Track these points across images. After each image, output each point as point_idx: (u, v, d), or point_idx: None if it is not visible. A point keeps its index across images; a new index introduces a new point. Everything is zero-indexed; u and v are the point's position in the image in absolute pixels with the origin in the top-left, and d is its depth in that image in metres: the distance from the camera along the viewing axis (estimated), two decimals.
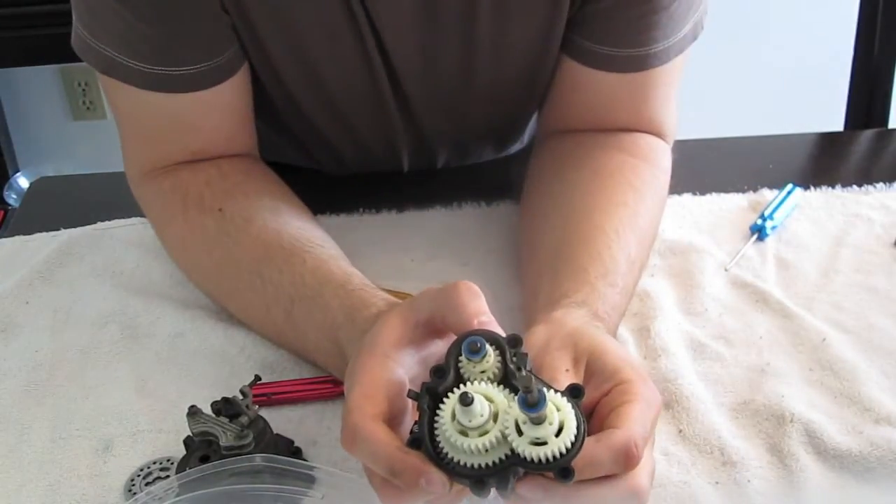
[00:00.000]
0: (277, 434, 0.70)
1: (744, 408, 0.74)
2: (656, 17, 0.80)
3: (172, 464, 0.69)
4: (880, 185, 0.98)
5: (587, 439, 0.55)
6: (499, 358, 0.57)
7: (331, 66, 0.84)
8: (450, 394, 0.56)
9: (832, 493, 0.68)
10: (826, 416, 0.73)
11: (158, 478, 0.68)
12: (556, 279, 0.73)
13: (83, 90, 2.27)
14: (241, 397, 0.68)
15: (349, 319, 0.70)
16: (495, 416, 0.55)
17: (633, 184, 0.82)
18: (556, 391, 0.56)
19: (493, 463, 0.55)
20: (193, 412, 0.67)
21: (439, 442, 0.55)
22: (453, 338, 0.59)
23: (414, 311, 0.62)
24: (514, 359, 0.57)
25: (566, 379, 0.59)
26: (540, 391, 0.53)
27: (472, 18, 0.81)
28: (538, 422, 0.54)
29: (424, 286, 0.64)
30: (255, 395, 0.69)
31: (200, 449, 0.67)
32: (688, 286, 0.85)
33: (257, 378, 0.71)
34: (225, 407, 0.67)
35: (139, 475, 0.69)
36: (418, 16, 0.80)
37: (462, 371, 0.57)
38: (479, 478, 0.55)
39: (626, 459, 0.55)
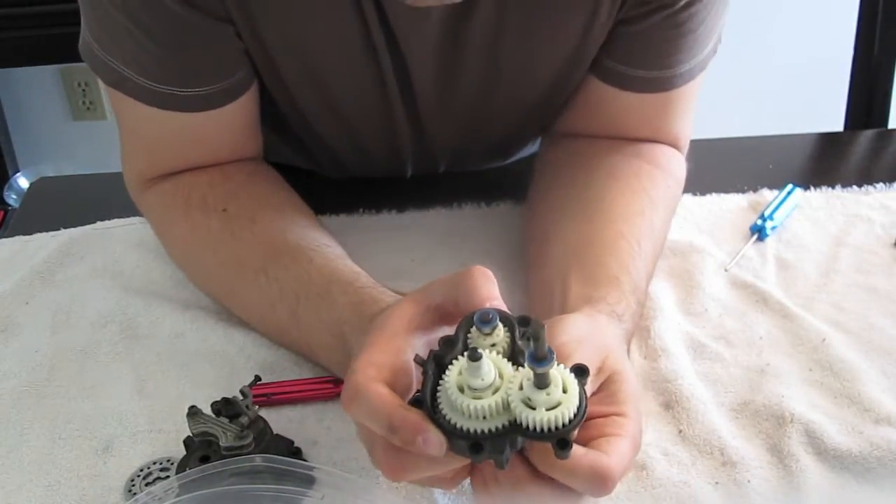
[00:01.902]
0: (277, 434, 0.70)
1: (744, 408, 0.74)
2: (684, 40, 0.80)
3: (172, 464, 0.69)
4: (880, 185, 0.98)
5: (576, 447, 0.56)
6: (508, 336, 0.58)
7: (346, 90, 0.84)
8: (456, 360, 0.57)
9: (832, 493, 0.68)
10: (826, 417, 0.73)
11: (158, 478, 0.68)
12: (589, 280, 0.74)
13: (83, 90, 2.27)
14: (241, 397, 0.68)
15: (356, 314, 0.70)
16: (497, 390, 0.56)
17: (649, 192, 0.83)
18: (563, 367, 0.56)
19: (493, 430, 0.55)
20: (193, 412, 0.67)
21: (441, 406, 0.56)
22: None
23: (425, 295, 0.63)
24: (522, 339, 0.58)
25: (590, 378, 0.60)
26: (550, 349, 0.54)
27: (498, 44, 0.81)
28: (542, 384, 0.54)
29: None
30: (255, 396, 0.69)
31: (200, 449, 0.67)
32: (688, 286, 0.85)
33: (257, 378, 0.71)
34: (225, 407, 0.67)
35: (139, 475, 0.69)
36: (445, 41, 0.80)
37: (471, 343, 0.58)
38: (476, 441, 0.55)
39: (601, 485, 0.57)
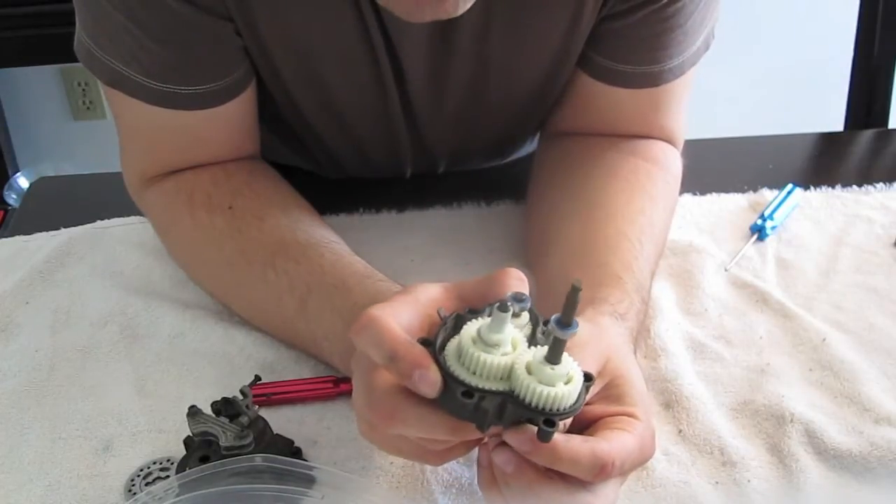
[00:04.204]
0: (277, 434, 0.70)
1: (744, 408, 0.74)
2: (672, 35, 0.80)
3: (172, 464, 0.69)
4: (880, 185, 0.98)
5: (576, 437, 0.57)
6: (530, 328, 0.58)
7: (344, 89, 0.84)
8: (477, 318, 0.57)
9: (832, 493, 0.68)
10: (826, 416, 0.73)
11: (158, 478, 0.68)
12: (591, 281, 0.73)
13: (83, 90, 2.27)
14: (241, 397, 0.68)
15: (372, 301, 0.69)
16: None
17: (648, 190, 0.83)
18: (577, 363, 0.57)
19: (489, 390, 0.55)
20: (193, 412, 0.67)
21: (447, 357, 0.56)
22: None
23: (456, 286, 0.62)
24: (543, 335, 0.58)
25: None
26: (577, 321, 0.54)
27: (485, 42, 0.81)
28: (554, 358, 0.55)
29: None
30: (255, 395, 0.69)
31: (200, 449, 0.67)
32: (688, 286, 0.85)
33: (257, 378, 0.71)
34: (225, 407, 0.67)
35: (139, 475, 0.69)
36: (434, 41, 0.80)
37: None
38: (469, 391, 0.55)
39: (599, 470, 0.57)
